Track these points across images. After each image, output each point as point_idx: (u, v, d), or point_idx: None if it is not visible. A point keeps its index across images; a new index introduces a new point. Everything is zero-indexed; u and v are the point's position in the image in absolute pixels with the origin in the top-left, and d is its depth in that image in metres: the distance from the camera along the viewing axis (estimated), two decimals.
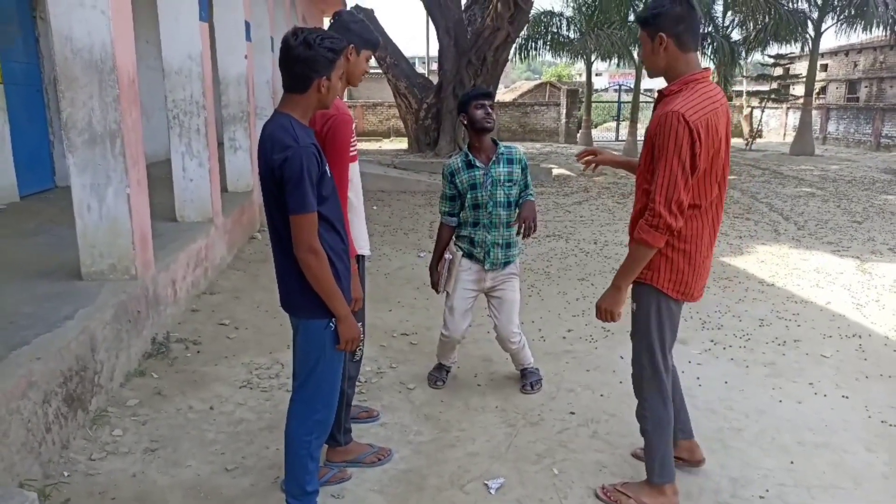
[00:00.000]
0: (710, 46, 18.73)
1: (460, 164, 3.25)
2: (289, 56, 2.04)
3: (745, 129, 23.94)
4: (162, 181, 5.65)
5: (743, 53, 20.80)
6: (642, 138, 2.41)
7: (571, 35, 21.47)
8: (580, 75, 33.36)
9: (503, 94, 27.58)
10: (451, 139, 13.56)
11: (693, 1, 2.23)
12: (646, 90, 22.00)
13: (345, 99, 2.74)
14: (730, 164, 2.34)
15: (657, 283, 2.31)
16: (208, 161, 5.17)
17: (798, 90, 24.29)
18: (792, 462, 2.81)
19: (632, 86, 21.92)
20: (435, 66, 16.70)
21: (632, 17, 19.41)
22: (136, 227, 3.58)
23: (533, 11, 16.71)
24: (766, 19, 18.76)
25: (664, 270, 2.29)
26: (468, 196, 3.22)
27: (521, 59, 22.28)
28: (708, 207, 2.27)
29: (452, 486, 2.61)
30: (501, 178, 3.20)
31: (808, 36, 19.54)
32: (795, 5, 19.25)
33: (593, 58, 22.16)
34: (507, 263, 3.31)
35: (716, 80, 17.31)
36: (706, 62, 18.79)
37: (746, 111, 25.70)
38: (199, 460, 2.75)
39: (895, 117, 21.35)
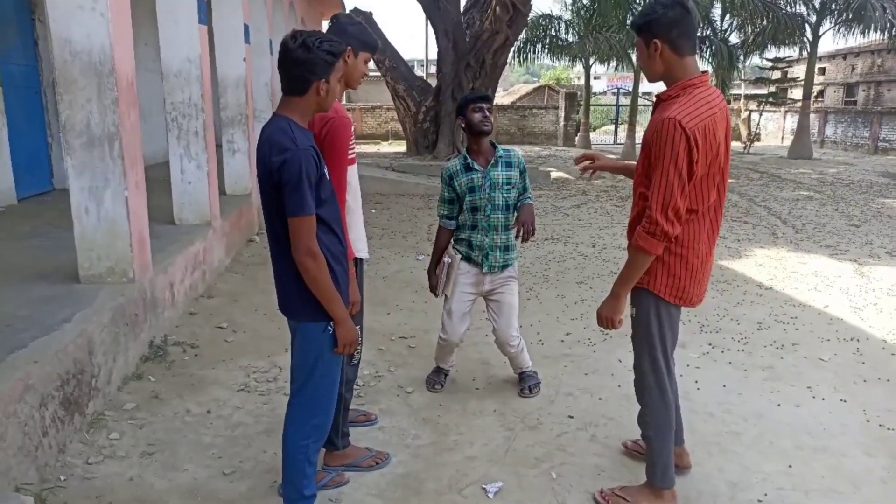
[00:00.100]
0: (709, 50, 18.78)
1: (459, 168, 3.25)
2: (287, 59, 2.04)
3: (744, 133, 23.99)
4: (160, 184, 5.64)
5: (741, 57, 20.85)
6: (641, 142, 2.41)
7: (570, 38, 21.54)
8: (579, 78, 33.42)
9: (502, 97, 27.63)
10: (449, 142, 13.58)
11: (688, 4, 2.22)
12: (644, 93, 22.04)
13: (343, 102, 2.73)
14: (729, 168, 2.34)
15: (654, 287, 2.31)
16: (206, 163, 5.17)
17: (796, 94, 24.34)
18: (790, 466, 2.80)
19: (630, 89, 21.96)
20: (434, 69, 16.72)
21: (630, 21, 19.47)
22: (134, 230, 3.57)
23: (531, 15, 16.74)
24: (765, 23, 18.82)
25: (661, 275, 2.29)
26: (466, 199, 3.22)
27: (519, 62, 22.33)
28: (705, 212, 2.26)
29: (450, 491, 2.61)
30: (500, 181, 3.20)
31: (806, 39, 19.60)
32: (793, 9, 19.32)
33: (592, 61, 22.21)
34: (505, 267, 3.31)
35: (714, 83, 17.33)
36: (704, 66, 18.83)
37: (744, 115, 25.76)
38: (196, 464, 2.74)
39: (893, 121, 21.40)
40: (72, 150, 3.40)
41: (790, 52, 21.29)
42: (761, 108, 23.93)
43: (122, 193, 3.47)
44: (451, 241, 3.37)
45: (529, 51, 21.52)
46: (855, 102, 26.03)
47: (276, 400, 3.29)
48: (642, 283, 2.32)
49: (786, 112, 25.99)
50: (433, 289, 3.39)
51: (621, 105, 25.50)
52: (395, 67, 14.31)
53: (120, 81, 3.39)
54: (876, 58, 25.17)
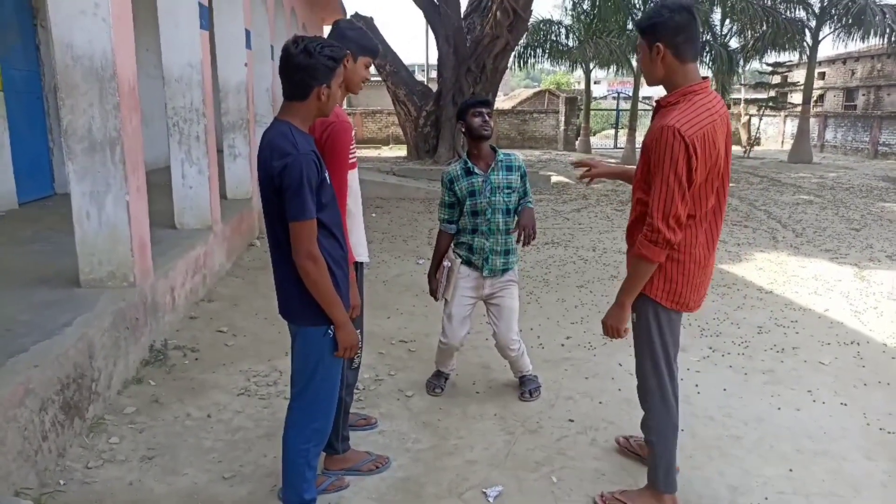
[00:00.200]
0: (709, 55, 18.82)
1: (459, 172, 3.26)
2: (289, 64, 2.05)
3: (744, 137, 24.03)
4: (161, 188, 5.65)
5: (741, 61, 20.89)
6: (641, 146, 2.41)
7: (570, 43, 21.58)
8: (579, 83, 33.47)
9: (502, 102, 27.66)
10: (450, 146, 13.60)
11: (694, 11, 2.20)
12: (644, 98, 22.08)
13: (344, 106, 2.74)
14: (730, 173, 2.34)
15: (651, 293, 2.30)
16: (208, 168, 5.18)
17: (796, 98, 24.36)
18: (791, 470, 2.80)
19: (630, 93, 22.00)
20: (434, 74, 16.78)
21: (630, 26, 19.53)
22: (134, 235, 3.58)
23: (532, 20, 16.80)
24: (764, 27, 18.86)
25: (658, 280, 2.29)
26: (467, 203, 3.23)
27: (520, 66, 22.38)
28: (703, 218, 2.26)
29: (451, 495, 2.60)
30: (500, 185, 3.21)
31: (805, 44, 19.64)
32: (793, 14, 19.37)
33: (592, 66, 22.26)
34: (505, 270, 3.31)
35: (714, 88, 17.34)
36: (704, 70, 18.87)
37: (744, 119, 25.79)
38: (196, 468, 2.74)
39: (893, 125, 21.43)
40: (73, 155, 3.41)
41: (790, 56, 21.34)
42: (761, 112, 23.96)
43: (124, 198, 3.48)
44: (452, 245, 3.38)
45: (530, 55, 21.57)
46: (855, 107, 26.06)
47: (277, 404, 3.29)
48: (641, 289, 2.33)
49: (786, 116, 26.02)
50: (433, 293, 3.40)
51: (621, 109, 25.54)
52: (395, 72, 14.35)
53: (121, 86, 3.41)
54: (876, 62, 25.20)
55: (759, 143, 24.31)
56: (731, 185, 2.39)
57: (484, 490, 2.62)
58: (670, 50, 2.16)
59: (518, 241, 3.21)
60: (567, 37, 21.64)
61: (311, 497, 2.31)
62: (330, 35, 2.51)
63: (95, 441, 2.88)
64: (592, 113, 24.89)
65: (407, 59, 16.33)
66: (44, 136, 6.81)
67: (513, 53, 16.24)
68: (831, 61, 27.57)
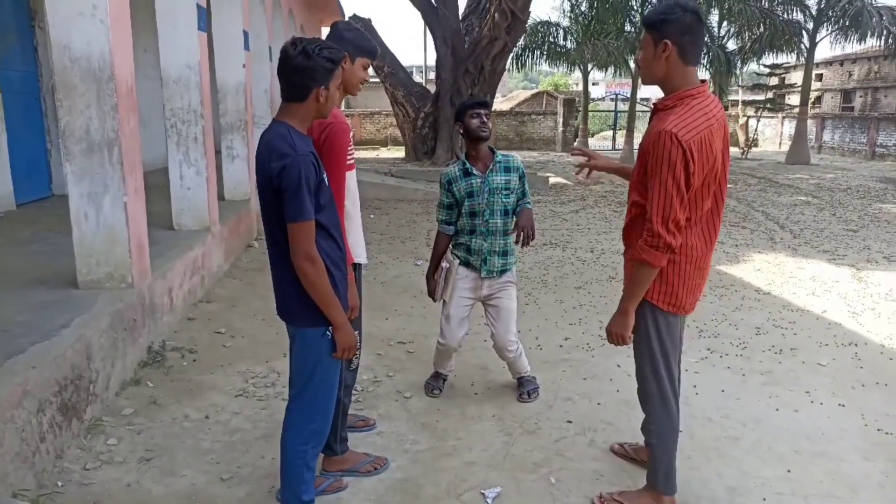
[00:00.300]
0: (706, 56, 18.86)
1: (458, 173, 3.26)
2: (287, 66, 2.06)
3: (741, 139, 24.08)
4: (159, 189, 5.65)
5: (738, 63, 20.93)
6: (638, 148, 2.41)
7: (568, 45, 21.61)
8: (577, 84, 33.53)
9: (500, 103, 27.71)
10: (448, 148, 13.61)
11: (702, 15, 2.20)
12: (642, 99, 22.11)
13: (342, 107, 2.74)
14: (728, 176, 2.33)
15: (649, 296, 2.30)
16: (206, 169, 5.18)
17: (793, 100, 24.44)
18: (789, 471, 2.81)
19: (628, 95, 22.03)
20: (432, 76, 16.78)
21: (628, 27, 19.57)
22: (132, 236, 3.58)
23: (530, 21, 16.83)
24: (762, 29, 18.91)
25: (655, 283, 2.28)
26: (465, 204, 3.23)
27: (518, 68, 22.42)
28: (697, 220, 2.26)
29: (449, 496, 2.60)
30: (498, 186, 3.21)
31: (803, 46, 19.69)
32: (790, 16, 19.42)
33: (590, 67, 22.30)
34: (503, 272, 3.31)
35: (712, 90, 17.39)
36: (702, 72, 18.89)
37: (742, 121, 25.85)
38: (194, 470, 2.74)
39: (890, 126, 21.48)
40: (71, 156, 3.40)
41: (787, 58, 21.39)
42: (759, 113, 24.02)
43: (121, 199, 3.48)
44: (450, 246, 3.38)
45: (528, 57, 21.61)
46: (852, 108, 26.14)
47: (275, 405, 3.29)
48: None
49: (783, 118, 26.08)
50: (431, 294, 3.40)
51: (619, 111, 25.58)
52: (393, 73, 14.35)
53: (119, 87, 3.41)
54: (873, 64, 25.29)
55: (756, 145, 24.36)
56: (728, 186, 2.39)
57: (482, 491, 2.62)
58: (676, 49, 2.15)
59: (517, 243, 3.21)
60: (565, 38, 21.68)
61: (310, 498, 2.31)
62: (328, 36, 2.51)
63: (93, 442, 2.87)
64: (590, 114, 24.96)
65: (405, 60, 16.34)
66: (41, 138, 6.81)
67: (511, 55, 16.27)
68: (829, 63, 27.67)
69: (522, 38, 17.08)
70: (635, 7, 19.17)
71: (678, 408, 2.45)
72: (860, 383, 3.72)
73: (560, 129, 23.23)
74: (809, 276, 6.16)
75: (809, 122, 21.96)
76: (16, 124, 6.17)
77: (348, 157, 2.49)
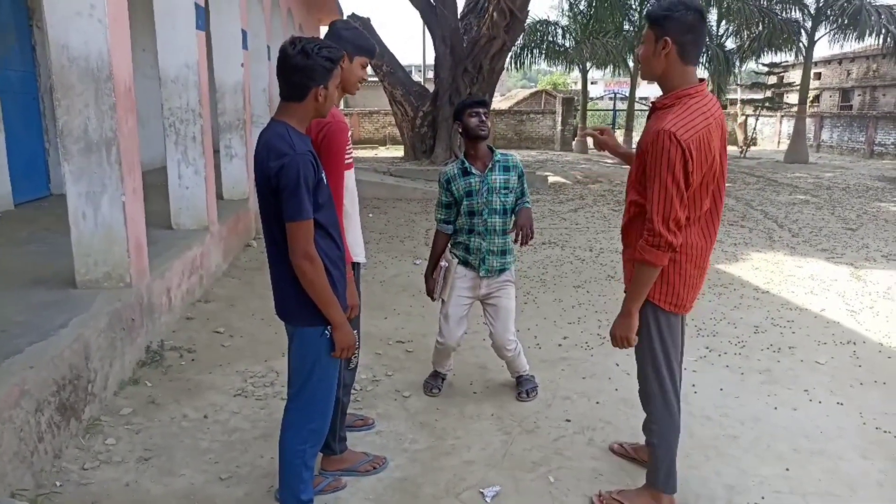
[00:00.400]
0: (705, 55, 18.87)
1: (456, 172, 3.26)
2: (286, 65, 2.05)
3: (740, 138, 24.08)
4: (157, 189, 5.65)
5: (737, 62, 20.95)
6: (636, 147, 2.40)
7: (567, 44, 21.61)
8: (575, 83, 33.53)
9: (499, 103, 27.69)
10: (447, 147, 13.60)
11: (705, 15, 2.18)
12: (641, 98, 22.16)
13: (341, 106, 2.74)
14: (726, 176, 2.33)
15: (650, 296, 2.29)
16: (204, 169, 5.17)
17: (792, 98, 24.44)
18: (787, 469, 2.81)
19: (627, 94, 22.04)
20: (431, 75, 16.77)
21: (627, 26, 19.58)
22: (131, 235, 3.57)
23: (528, 20, 16.83)
24: (760, 28, 18.92)
25: (656, 283, 2.28)
26: (464, 203, 3.23)
27: (516, 67, 22.42)
28: (697, 220, 2.26)
29: (448, 495, 2.60)
30: (497, 185, 3.21)
31: (801, 45, 19.70)
32: (789, 14, 19.43)
33: (588, 66, 22.29)
34: (502, 271, 3.31)
35: (710, 88, 17.39)
36: (700, 71, 18.90)
37: (741, 119, 25.85)
38: (192, 469, 2.74)
39: (888, 125, 21.51)
40: (69, 156, 3.40)
41: (786, 57, 21.43)
42: (757, 112, 24.04)
43: (120, 199, 3.48)
44: (449, 245, 3.38)
45: (526, 56, 21.61)
46: (850, 107, 26.16)
47: (273, 405, 3.29)
48: None
49: (782, 116, 26.11)
50: (430, 293, 3.40)
51: (618, 110, 25.59)
52: (392, 73, 14.35)
53: (117, 87, 3.40)
54: (871, 63, 25.31)
55: (755, 144, 24.38)
56: (727, 185, 2.38)
57: (481, 490, 2.62)
58: (676, 47, 2.14)
59: (516, 242, 3.21)
60: (564, 37, 21.69)
61: (308, 498, 2.31)
62: (326, 36, 2.51)
63: (92, 442, 2.87)
64: (589, 113, 24.95)
65: (404, 59, 16.33)
66: (40, 137, 6.80)
67: (509, 54, 16.26)
68: (827, 62, 27.69)
69: (521, 36, 17.08)
70: (634, 6, 19.18)
71: (680, 407, 2.45)
72: (858, 382, 3.73)
73: (559, 128, 23.22)
74: (808, 274, 6.17)
75: (808, 120, 21.98)
76: (14, 124, 6.16)
77: (347, 157, 2.49)
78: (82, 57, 3.31)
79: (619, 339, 2.35)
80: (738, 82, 27.53)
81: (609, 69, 22.60)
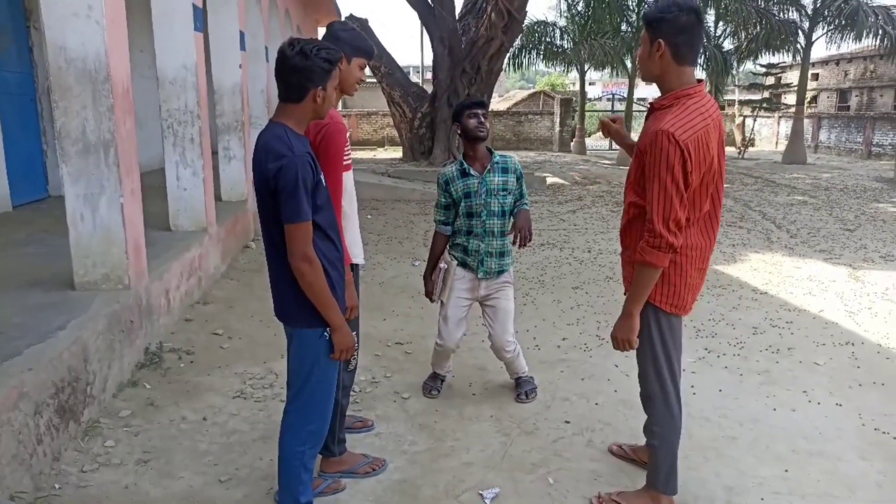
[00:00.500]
0: (703, 56, 18.90)
1: (455, 173, 3.26)
2: (285, 66, 2.05)
3: (738, 138, 24.14)
4: (156, 190, 5.64)
5: (735, 63, 20.98)
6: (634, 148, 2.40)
7: (565, 45, 21.63)
8: (574, 84, 33.55)
9: (497, 103, 27.72)
10: (445, 148, 13.60)
11: (701, 15, 2.17)
12: (639, 99, 22.19)
13: (339, 108, 2.73)
14: (725, 177, 2.33)
15: (652, 298, 2.29)
16: (202, 170, 5.17)
17: (790, 99, 24.50)
18: (786, 470, 2.81)
19: (625, 95, 22.07)
20: (429, 76, 16.78)
21: (625, 27, 19.60)
22: (129, 237, 3.57)
23: (526, 21, 16.83)
24: (758, 29, 18.95)
25: (657, 284, 2.28)
26: (462, 204, 3.23)
27: (514, 68, 22.41)
28: (696, 221, 2.26)
29: (447, 497, 2.60)
30: (496, 187, 3.21)
31: (799, 45, 19.75)
32: (786, 15, 19.47)
33: (586, 67, 22.31)
34: (500, 272, 3.31)
35: (708, 89, 17.41)
36: (698, 72, 18.93)
37: (738, 120, 25.90)
38: (191, 472, 2.73)
39: (885, 126, 21.56)
40: (67, 157, 3.39)
41: (783, 57, 21.46)
42: (755, 113, 24.08)
43: (118, 200, 3.47)
44: (447, 246, 3.37)
45: (524, 57, 21.62)
46: (848, 108, 26.21)
47: (272, 406, 3.28)
48: None
49: (780, 117, 26.16)
50: (429, 294, 3.39)
51: (616, 110, 25.61)
52: (390, 74, 14.35)
53: (115, 88, 3.40)
54: (868, 63, 25.36)
55: (753, 144, 24.44)
56: (725, 185, 2.38)
57: (480, 492, 2.61)
58: (669, 49, 2.14)
59: (514, 244, 3.21)
60: (562, 38, 21.70)
61: (308, 500, 2.30)
62: (324, 37, 2.51)
63: (90, 444, 2.87)
64: (587, 114, 24.98)
65: (402, 60, 16.34)
66: (37, 139, 6.79)
67: (507, 55, 16.26)
68: (825, 62, 27.74)
69: (519, 37, 17.07)
70: (631, 7, 19.20)
71: (681, 409, 2.45)
72: (857, 383, 3.73)
73: (557, 129, 23.25)
74: (806, 275, 6.18)
75: (806, 121, 22.02)
76: (11, 125, 6.15)
77: (345, 158, 2.49)
78: (80, 58, 3.30)
79: (620, 342, 2.35)
80: (736, 83, 27.58)
81: (607, 70, 22.61)
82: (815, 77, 27.65)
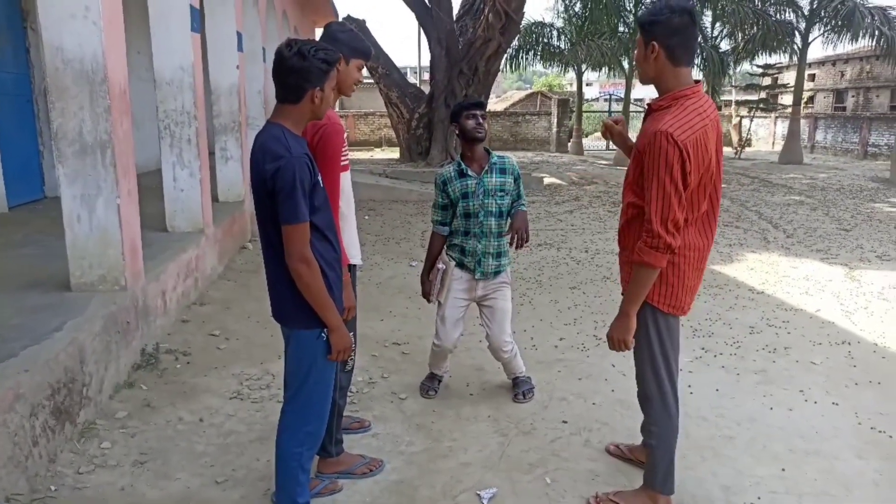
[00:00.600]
0: (699, 56, 18.92)
1: (453, 174, 3.26)
2: (283, 67, 2.05)
3: (735, 139, 24.20)
4: (152, 191, 5.63)
5: (731, 64, 21.01)
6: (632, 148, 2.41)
7: (562, 45, 21.65)
8: (571, 85, 33.60)
9: (494, 104, 27.72)
10: (442, 148, 13.60)
11: (695, 16, 2.18)
12: (636, 100, 22.22)
13: (336, 108, 2.74)
14: (722, 177, 2.34)
15: (649, 298, 2.29)
16: (199, 171, 5.16)
17: (786, 99, 24.56)
18: (783, 469, 2.82)
19: (622, 95, 22.09)
20: (427, 76, 16.78)
21: (622, 28, 19.63)
22: (126, 238, 3.56)
23: (524, 22, 16.84)
24: (755, 30, 18.99)
25: (655, 285, 2.28)
26: (460, 205, 3.23)
27: (512, 68, 22.43)
28: (694, 221, 2.26)
29: (445, 497, 2.60)
30: (493, 188, 3.21)
31: (795, 46, 19.79)
32: (783, 16, 19.51)
33: (584, 68, 22.33)
34: (498, 273, 3.31)
35: (705, 90, 17.41)
36: (695, 72, 18.95)
37: (735, 121, 25.96)
38: (188, 473, 2.73)
39: (881, 126, 21.62)
40: (64, 158, 3.39)
41: (780, 58, 21.51)
42: (752, 113, 24.12)
43: (115, 201, 3.46)
44: (445, 247, 3.38)
45: (522, 58, 21.63)
46: (844, 108, 26.27)
47: (269, 407, 3.28)
48: None
49: (776, 118, 26.21)
50: (426, 295, 3.40)
51: (613, 111, 25.64)
52: (388, 74, 14.34)
53: (112, 89, 3.39)
54: (864, 64, 25.42)
55: (749, 145, 24.48)
56: (722, 186, 2.39)
57: (478, 492, 2.62)
58: (664, 51, 2.15)
59: (511, 244, 3.21)
60: (559, 39, 21.71)
61: (305, 500, 2.30)
62: (322, 38, 2.51)
63: (87, 446, 2.86)
64: (584, 115, 25.00)
65: (399, 61, 16.34)
66: (34, 140, 6.77)
67: (505, 55, 16.28)
68: (821, 63, 27.80)
69: (516, 38, 17.08)
70: (629, 7, 19.22)
71: (678, 409, 2.45)
72: (853, 382, 3.74)
73: (554, 129, 23.26)
74: (803, 275, 6.19)
75: (802, 121, 22.06)
76: (8, 126, 6.14)
77: (342, 158, 2.49)
78: (77, 59, 3.30)
79: (616, 342, 2.34)
80: (733, 84, 27.62)
81: (604, 71, 22.59)
82: (812, 77, 27.72)
